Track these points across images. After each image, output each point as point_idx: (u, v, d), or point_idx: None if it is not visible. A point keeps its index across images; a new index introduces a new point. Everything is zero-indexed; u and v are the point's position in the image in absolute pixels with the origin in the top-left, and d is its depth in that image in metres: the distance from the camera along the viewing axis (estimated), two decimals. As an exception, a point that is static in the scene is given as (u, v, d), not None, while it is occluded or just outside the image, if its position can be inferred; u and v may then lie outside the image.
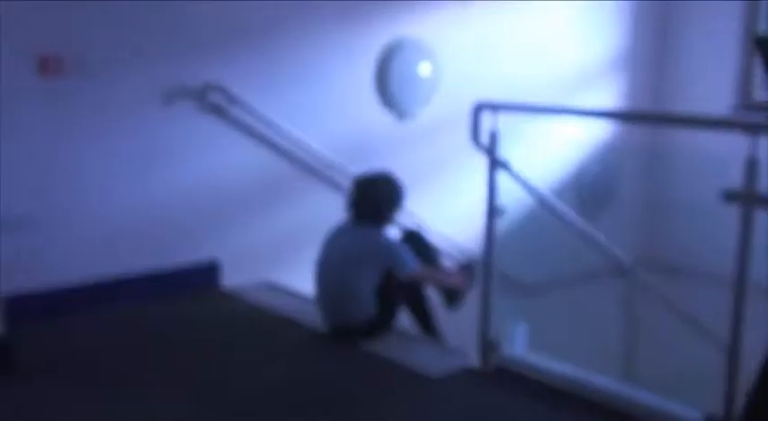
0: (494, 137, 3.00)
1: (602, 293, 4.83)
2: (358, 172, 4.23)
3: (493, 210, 3.07)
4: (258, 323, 3.69)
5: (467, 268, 3.84)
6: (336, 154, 4.33)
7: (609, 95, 5.96)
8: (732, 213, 2.47)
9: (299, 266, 4.23)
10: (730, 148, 4.20)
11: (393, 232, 3.56)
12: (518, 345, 3.65)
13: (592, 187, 5.93)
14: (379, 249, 3.36)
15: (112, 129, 3.68)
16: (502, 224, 3.21)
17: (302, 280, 4.18)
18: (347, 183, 4.26)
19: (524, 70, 5.28)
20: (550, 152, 5.64)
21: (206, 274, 4.05)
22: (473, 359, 3.24)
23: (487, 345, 3.09)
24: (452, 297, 3.74)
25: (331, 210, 4.27)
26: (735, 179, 2.40)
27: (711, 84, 6.08)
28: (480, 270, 3.86)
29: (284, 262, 4.35)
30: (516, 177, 3.27)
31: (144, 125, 3.76)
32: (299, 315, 3.73)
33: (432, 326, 3.68)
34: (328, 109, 4.38)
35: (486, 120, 3.12)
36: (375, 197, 3.41)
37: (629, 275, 4.33)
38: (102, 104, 3.63)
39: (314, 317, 3.57)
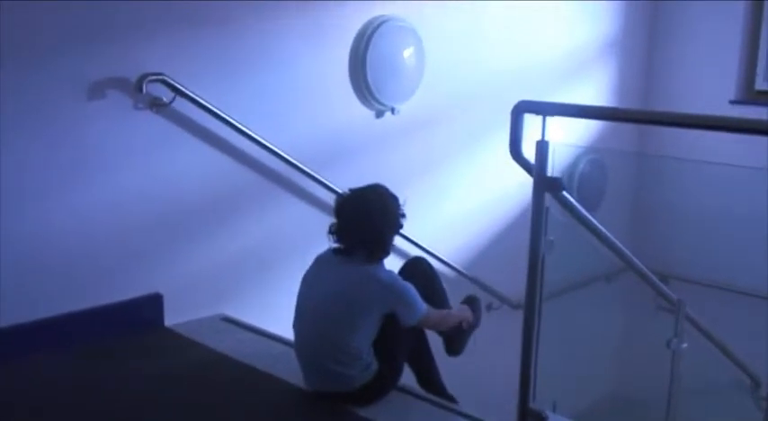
0: (543, 149, 2.26)
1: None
2: (330, 177, 3.50)
3: (539, 246, 2.32)
4: (219, 377, 2.89)
5: (472, 303, 3.12)
6: (305, 157, 3.54)
7: (599, 84, 5.34)
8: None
9: (263, 296, 3.47)
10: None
11: (391, 263, 2.78)
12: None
13: (580, 187, 5.30)
14: (381, 291, 2.59)
15: (21, 132, 2.80)
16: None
17: (266, 313, 3.43)
18: (317, 192, 3.51)
19: (514, 60, 4.61)
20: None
21: (147, 311, 3.23)
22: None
23: (530, 415, 2.34)
24: (456, 340, 3.01)
25: (300, 226, 3.56)
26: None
27: (709, 73, 5.52)
28: (481, 305, 3.16)
29: (243, 291, 3.55)
30: (568, 203, 2.55)
31: (64, 125, 2.91)
32: (269, 363, 2.95)
33: (435, 380, 2.95)
34: (294, 104, 3.58)
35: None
36: (369, 221, 2.63)
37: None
38: (9, 100, 2.76)
39: (289, 366, 2.79)
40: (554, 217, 2.43)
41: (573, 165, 5.26)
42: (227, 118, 3.24)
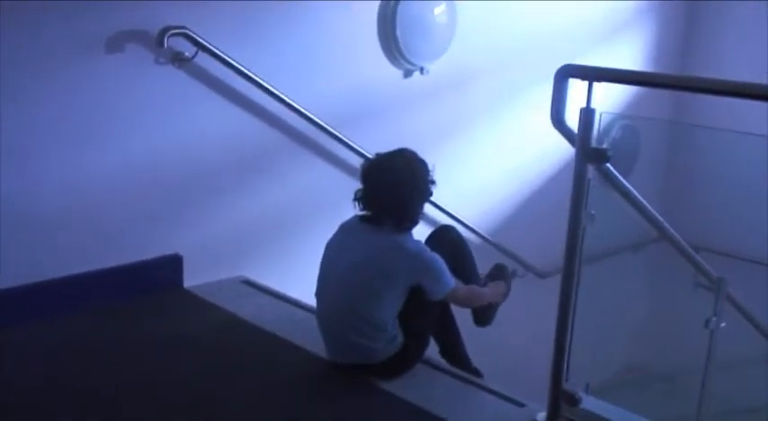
0: (588, 117, 2.12)
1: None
2: (356, 138, 3.38)
3: (579, 219, 2.19)
4: (237, 342, 2.81)
5: (500, 273, 3.01)
6: (329, 117, 3.41)
7: (635, 47, 5.14)
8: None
9: (285, 259, 3.38)
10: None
11: (418, 231, 2.66)
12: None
13: (613, 154, 5.13)
14: (408, 261, 2.48)
15: (39, 86, 2.70)
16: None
17: (288, 277, 3.34)
18: (341, 154, 3.39)
19: (548, 20, 4.43)
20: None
21: (166, 272, 3.15)
22: (535, 409, 2.41)
23: (563, 397, 2.24)
24: (484, 312, 2.91)
25: (324, 188, 3.46)
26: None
27: (752, 40, 5.29)
28: (511, 275, 3.05)
29: (265, 254, 3.46)
30: (614, 177, 2.42)
31: (82, 79, 2.80)
32: (290, 330, 2.87)
33: (460, 353, 2.85)
34: (320, 62, 3.45)
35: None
36: (396, 189, 2.50)
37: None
38: (26, 53, 2.64)
39: (310, 334, 2.71)
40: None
41: (605, 131, 5.10)
42: (251, 75, 3.12)
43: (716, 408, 3.50)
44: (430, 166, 2.58)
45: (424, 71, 3.80)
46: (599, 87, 2.11)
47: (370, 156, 3.48)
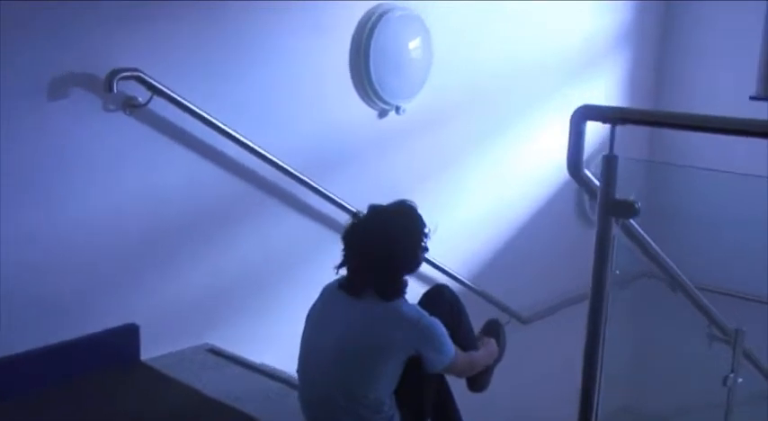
0: (611, 165, 1.83)
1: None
2: (329, 186, 3.06)
3: (603, 281, 1.89)
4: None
5: (494, 330, 2.70)
6: (300, 163, 3.10)
7: (610, 79, 4.94)
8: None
9: (256, 324, 3.04)
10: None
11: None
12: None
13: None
14: (407, 329, 2.17)
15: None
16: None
17: (260, 344, 3.01)
18: (315, 203, 3.08)
19: (524, 53, 4.18)
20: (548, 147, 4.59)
21: (120, 344, 2.78)
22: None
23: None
24: (479, 377, 2.59)
25: (297, 242, 3.15)
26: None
27: (726, 67, 5.14)
28: (504, 333, 2.76)
29: (233, 319, 3.11)
30: (637, 232, 2.15)
31: (20, 131, 2.44)
32: (265, 408, 2.52)
33: (455, 421, 2.52)
34: (288, 104, 3.14)
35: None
36: (391, 252, 2.19)
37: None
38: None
39: (289, 412, 2.38)
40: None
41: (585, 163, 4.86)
42: (212, 120, 2.79)
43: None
44: (429, 229, 2.26)
45: (400, 111, 3.51)
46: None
47: (345, 204, 3.18)
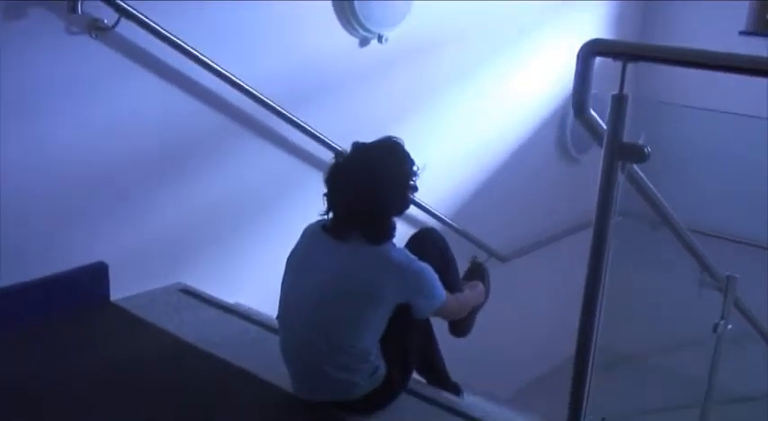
0: (621, 106, 1.69)
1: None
2: (307, 117, 2.91)
3: (605, 230, 1.77)
4: (177, 373, 2.33)
5: (478, 273, 2.61)
6: (277, 94, 2.92)
7: (599, 12, 4.77)
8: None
9: (231, 262, 2.91)
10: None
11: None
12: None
13: (574, 128, 4.79)
14: (396, 276, 2.04)
15: None
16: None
17: (235, 282, 2.88)
18: (292, 136, 2.92)
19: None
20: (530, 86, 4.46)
21: (89, 284, 2.63)
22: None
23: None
24: (464, 321, 2.50)
25: (274, 177, 3.01)
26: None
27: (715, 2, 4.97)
28: (488, 275, 2.67)
29: (206, 256, 2.97)
30: (641, 180, 2.02)
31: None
32: (242, 354, 2.40)
33: (439, 368, 2.45)
34: (265, 31, 2.94)
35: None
36: (378, 192, 2.05)
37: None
38: None
39: (268, 359, 2.27)
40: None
41: (566, 103, 4.73)
42: (186, 46, 2.60)
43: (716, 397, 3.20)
44: (418, 167, 2.12)
45: (383, 39, 3.32)
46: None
47: (324, 138, 3.02)
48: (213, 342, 2.46)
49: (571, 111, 4.49)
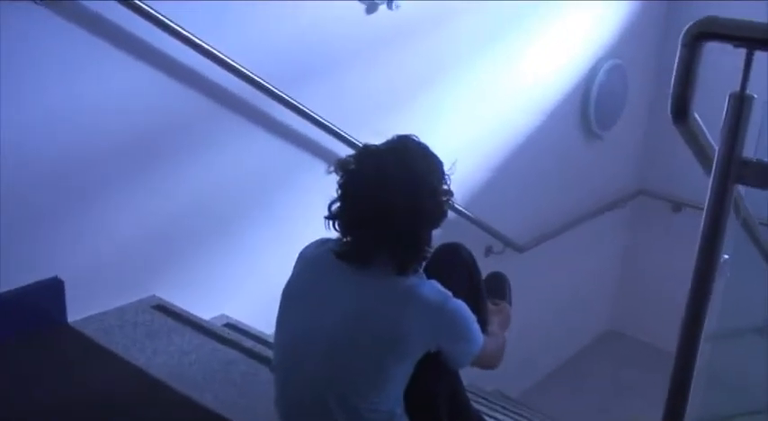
0: (743, 109, 1.22)
1: None
2: (305, 98, 2.45)
3: (710, 270, 1.31)
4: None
5: (500, 288, 2.18)
6: (271, 72, 2.44)
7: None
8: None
9: (215, 271, 2.46)
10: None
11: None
12: None
13: (598, 102, 4.33)
14: (427, 318, 1.58)
15: None
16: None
17: (221, 296, 2.43)
18: (292, 122, 2.46)
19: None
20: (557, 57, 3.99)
21: (42, 303, 2.17)
22: None
23: None
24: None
25: (266, 169, 2.55)
26: None
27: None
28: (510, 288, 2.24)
29: (185, 266, 2.51)
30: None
31: None
32: (232, 400, 1.95)
33: (474, 418, 1.98)
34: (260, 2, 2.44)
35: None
36: (419, 204, 1.58)
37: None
38: None
39: (266, 403, 1.82)
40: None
41: (590, 75, 4.26)
42: (158, 16, 2.10)
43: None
44: (448, 167, 1.66)
45: (393, 4, 2.83)
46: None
47: (330, 125, 2.56)
48: (191, 380, 2.02)
49: (597, 82, 4.07)
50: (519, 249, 4.04)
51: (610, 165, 4.78)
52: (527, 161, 3.95)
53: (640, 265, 5.30)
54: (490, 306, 1.99)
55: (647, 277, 5.33)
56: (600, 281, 5.24)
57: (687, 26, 1.25)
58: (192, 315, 2.34)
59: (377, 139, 1.66)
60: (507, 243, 3.93)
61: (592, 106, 4.29)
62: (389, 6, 2.83)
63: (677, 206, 5.06)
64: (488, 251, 3.89)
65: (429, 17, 3.03)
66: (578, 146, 4.38)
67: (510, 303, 2.14)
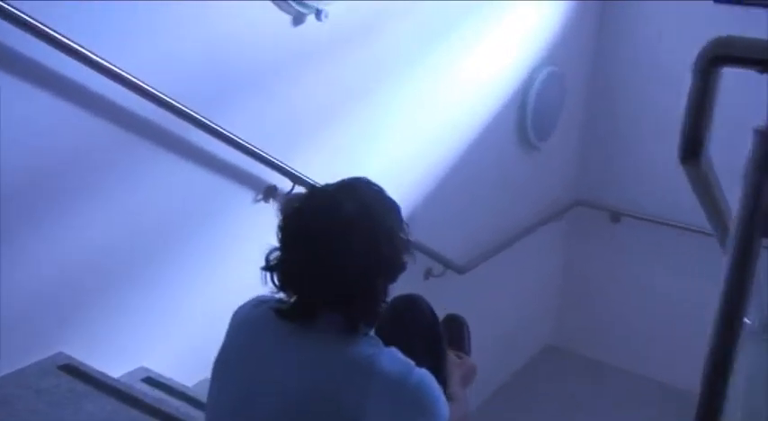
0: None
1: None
2: (226, 121, 2.18)
3: (734, 331, 1.10)
4: None
5: (457, 334, 1.97)
6: (186, 92, 2.15)
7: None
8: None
9: (129, 323, 2.15)
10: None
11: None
12: None
13: (536, 111, 4.16)
14: (385, 396, 1.33)
15: None
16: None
17: (134, 343, 2.13)
18: (209, 146, 2.18)
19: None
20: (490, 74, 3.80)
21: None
22: None
23: None
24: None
25: (185, 201, 2.23)
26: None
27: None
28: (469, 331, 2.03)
29: (96, 317, 2.20)
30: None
31: None
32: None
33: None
34: (166, 7, 2.14)
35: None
36: (379, 253, 1.36)
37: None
38: None
39: None
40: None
41: (527, 83, 4.08)
42: (53, 34, 1.79)
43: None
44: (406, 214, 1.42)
45: (321, 15, 2.57)
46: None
47: (253, 148, 2.29)
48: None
49: (534, 90, 3.89)
50: (459, 270, 3.83)
51: (547, 177, 4.62)
52: (465, 176, 3.75)
53: (581, 278, 5.18)
54: (453, 357, 1.76)
55: (590, 289, 5.23)
56: (542, 296, 5.09)
57: (701, 49, 1.03)
58: (105, 375, 2.03)
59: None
60: (447, 265, 3.71)
61: (529, 117, 4.12)
62: (317, 17, 2.57)
63: (616, 216, 4.95)
64: (428, 274, 3.67)
65: (361, 25, 2.79)
66: (516, 158, 4.20)
67: (470, 350, 1.92)
